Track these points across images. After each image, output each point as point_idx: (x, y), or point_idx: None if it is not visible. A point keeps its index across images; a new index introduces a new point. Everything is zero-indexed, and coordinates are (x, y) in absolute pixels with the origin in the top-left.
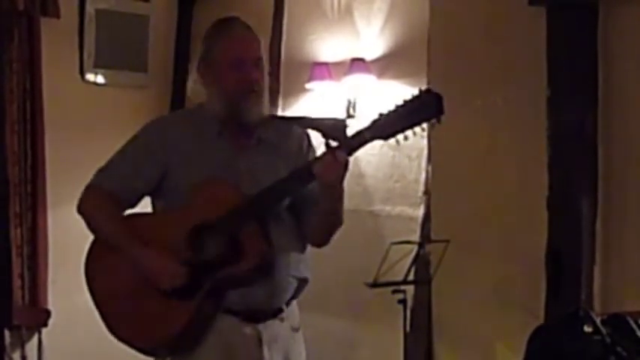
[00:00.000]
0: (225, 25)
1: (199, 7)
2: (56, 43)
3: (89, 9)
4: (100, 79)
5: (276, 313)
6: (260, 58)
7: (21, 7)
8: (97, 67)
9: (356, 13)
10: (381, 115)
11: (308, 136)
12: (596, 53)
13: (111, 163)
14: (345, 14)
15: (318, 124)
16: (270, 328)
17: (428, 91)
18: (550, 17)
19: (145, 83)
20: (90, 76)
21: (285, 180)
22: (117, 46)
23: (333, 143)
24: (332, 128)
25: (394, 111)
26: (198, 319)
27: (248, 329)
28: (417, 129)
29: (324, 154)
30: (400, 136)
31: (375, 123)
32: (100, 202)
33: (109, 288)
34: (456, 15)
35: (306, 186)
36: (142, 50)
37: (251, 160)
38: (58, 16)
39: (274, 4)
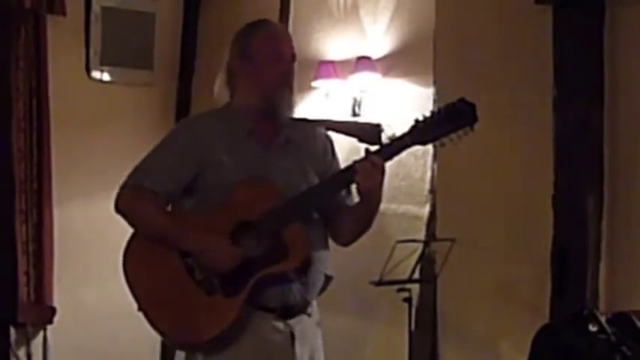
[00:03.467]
0: (262, 23)
1: (205, 5)
2: (62, 40)
3: (95, 7)
4: (106, 77)
5: (306, 308)
6: (294, 56)
7: (27, 4)
8: (103, 65)
9: (362, 12)
10: (417, 120)
11: (330, 138)
12: (602, 52)
13: (147, 162)
14: (351, 12)
15: (353, 130)
16: (301, 324)
17: (462, 99)
18: (556, 16)
19: (151, 81)
20: (96, 74)
21: (327, 183)
22: (123, 44)
23: (372, 148)
24: (368, 133)
25: (431, 117)
26: (242, 316)
27: (281, 325)
28: (454, 136)
29: (363, 159)
30: (437, 143)
31: (414, 128)
32: (142, 199)
33: (151, 285)
34: (462, 13)
35: (345, 190)
36: (148, 48)
37: (280, 159)
38: (64, 13)
39: (280, 2)
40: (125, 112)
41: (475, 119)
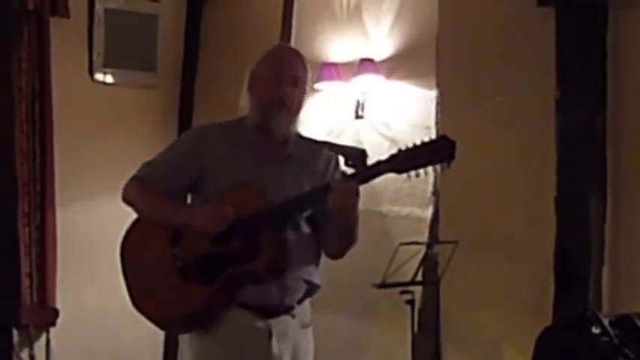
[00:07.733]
0: (276, 45)
1: (208, 7)
2: (65, 42)
3: (98, 8)
4: (109, 79)
5: (287, 310)
6: (297, 77)
7: (31, 6)
8: (106, 67)
9: (365, 14)
10: (400, 150)
11: (337, 159)
12: (605, 54)
13: (155, 159)
14: (354, 14)
15: (341, 150)
16: (281, 324)
17: (444, 137)
18: (559, 18)
19: (154, 83)
20: (99, 76)
21: (304, 195)
22: (126, 46)
23: (349, 170)
24: (354, 156)
25: (412, 149)
26: (210, 305)
27: (260, 323)
28: (429, 169)
29: (338, 180)
30: (412, 173)
31: (393, 157)
32: (145, 186)
33: (138, 264)
34: (465, 15)
35: (322, 204)
36: (151, 50)
37: (278, 172)
38: (67, 15)
39: (283, 4)
40: (128, 114)
41: (453, 157)
